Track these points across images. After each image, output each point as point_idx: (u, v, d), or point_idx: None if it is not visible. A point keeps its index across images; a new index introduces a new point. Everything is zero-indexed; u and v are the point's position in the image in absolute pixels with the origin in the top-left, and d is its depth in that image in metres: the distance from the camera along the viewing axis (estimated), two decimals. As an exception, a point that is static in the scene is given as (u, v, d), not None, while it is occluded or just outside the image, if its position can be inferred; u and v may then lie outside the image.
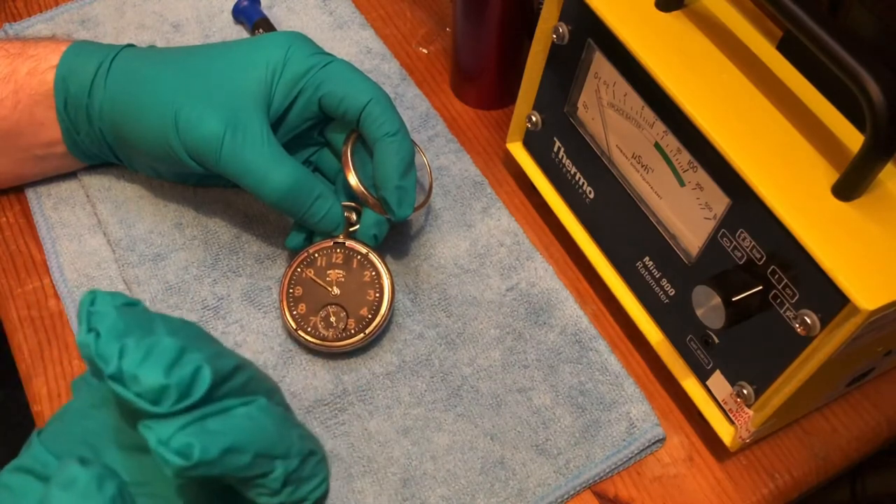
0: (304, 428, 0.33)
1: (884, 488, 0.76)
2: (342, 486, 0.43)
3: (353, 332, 0.46)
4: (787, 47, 0.40)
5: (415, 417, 0.46)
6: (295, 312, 0.47)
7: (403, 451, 0.45)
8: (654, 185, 0.43)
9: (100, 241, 0.52)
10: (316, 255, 0.48)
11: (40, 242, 0.52)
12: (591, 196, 0.49)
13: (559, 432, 0.45)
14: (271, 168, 0.44)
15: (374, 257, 0.48)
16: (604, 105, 0.45)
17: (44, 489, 0.29)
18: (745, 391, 0.41)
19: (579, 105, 0.47)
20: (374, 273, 0.47)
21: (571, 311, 0.49)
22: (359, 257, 0.48)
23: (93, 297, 0.28)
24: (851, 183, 0.35)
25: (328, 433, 0.45)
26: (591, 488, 0.45)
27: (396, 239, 0.52)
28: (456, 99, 0.60)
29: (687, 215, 0.42)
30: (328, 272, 0.48)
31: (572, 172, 0.50)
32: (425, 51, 0.62)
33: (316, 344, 0.46)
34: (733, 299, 0.37)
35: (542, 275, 0.50)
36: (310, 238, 0.49)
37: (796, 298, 0.36)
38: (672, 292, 0.44)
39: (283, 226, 0.52)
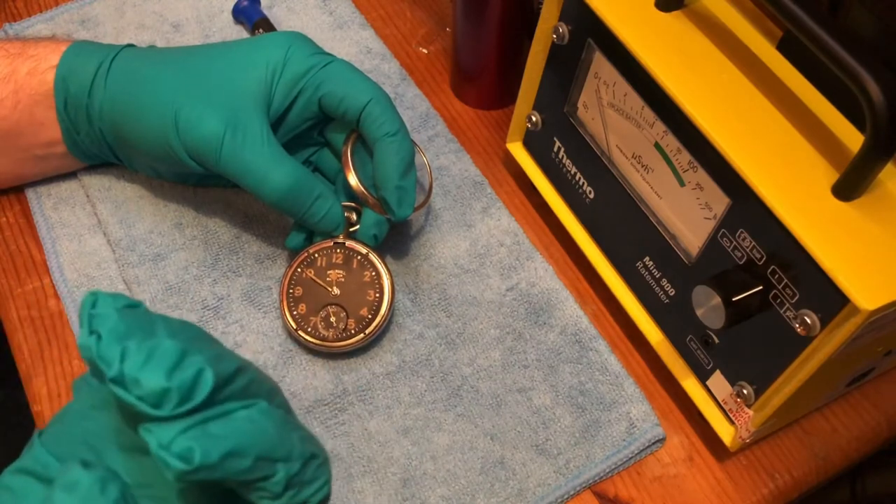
0: (305, 430, 0.33)
1: (884, 488, 0.76)
2: (342, 487, 0.44)
3: (353, 332, 0.46)
4: (787, 47, 0.40)
5: (415, 417, 0.46)
6: (295, 312, 0.47)
7: (403, 451, 0.45)
8: (654, 185, 0.43)
9: (100, 241, 0.52)
10: (316, 255, 0.48)
11: (40, 242, 0.52)
12: (591, 196, 0.49)
13: (559, 432, 0.45)
14: (271, 168, 0.44)
15: (374, 257, 0.48)
16: (604, 105, 0.45)
17: (45, 491, 0.29)
18: (745, 391, 0.41)
19: (579, 105, 0.47)
20: (374, 273, 0.47)
21: (571, 311, 0.49)
22: (359, 257, 0.48)
23: (94, 298, 0.28)
24: (851, 183, 0.35)
25: (328, 433, 0.45)
26: (591, 488, 0.45)
27: (396, 239, 0.52)
28: (456, 99, 0.60)
29: (687, 215, 0.42)
30: (328, 272, 0.48)
31: (572, 172, 0.50)
32: (425, 51, 0.62)
33: (316, 344, 0.46)
34: (733, 299, 0.37)
35: (542, 275, 0.50)
36: (310, 238, 0.49)
37: (796, 298, 0.36)
38: (672, 292, 0.44)
39: (283, 226, 0.52)
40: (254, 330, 0.48)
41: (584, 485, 0.44)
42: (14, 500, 0.29)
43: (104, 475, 0.27)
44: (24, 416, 0.50)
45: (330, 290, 0.47)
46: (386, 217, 0.48)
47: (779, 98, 0.39)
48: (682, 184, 0.41)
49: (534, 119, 0.51)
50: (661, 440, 0.46)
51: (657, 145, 0.42)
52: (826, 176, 0.36)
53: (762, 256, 0.37)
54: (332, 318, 0.47)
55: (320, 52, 0.47)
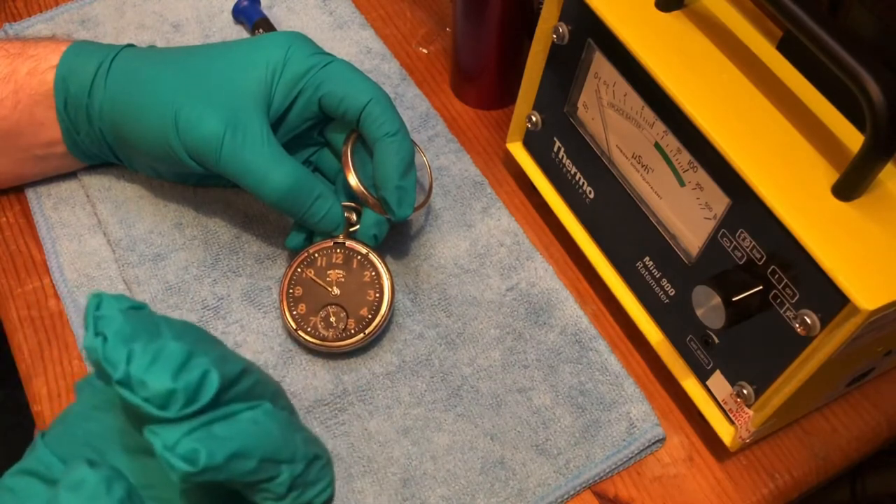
0: (308, 431, 0.33)
1: (884, 488, 0.76)
2: (342, 486, 0.44)
3: (353, 332, 0.46)
4: (787, 47, 0.40)
5: (415, 417, 0.46)
6: (295, 312, 0.47)
7: (403, 451, 0.45)
8: (654, 185, 0.43)
9: (100, 241, 0.52)
10: (316, 255, 0.48)
11: (40, 242, 0.52)
12: (591, 196, 0.49)
13: (559, 432, 0.45)
14: (271, 168, 0.44)
15: (374, 257, 0.48)
16: (604, 105, 0.45)
17: (49, 492, 0.29)
18: (745, 391, 0.41)
19: (579, 105, 0.47)
20: (374, 273, 0.47)
21: (571, 311, 0.49)
22: (359, 257, 0.48)
23: (98, 300, 0.28)
24: (851, 183, 0.35)
25: (328, 433, 0.45)
26: (591, 488, 0.45)
27: (396, 239, 0.52)
28: (456, 99, 0.60)
29: (687, 215, 0.42)
30: (328, 272, 0.48)
31: (572, 172, 0.50)
32: (425, 51, 0.62)
33: (316, 344, 0.46)
34: (733, 299, 0.37)
35: (542, 275, 0.50)
36: (310, 238, 0.49)
37: (796, 298, 0.36)
38: (672, 292, 0.44)
39: (283, 226, 0.52)
40: (254, 330, 0.48)
41: (584, 485, 0.44)
42: (17, 501, 0.29)
43: (110, 474, 0.27)
44: (24, 416, 0.50)
45: (330, 290, 0.47)
46: (386, 217, 0.48)
47: (779, 98, 0.39)
48: (682, 184, 0.41)
49: (534, 119, 0.51)
50: (661, 440, 0.46)
51: (657, 145, 0.42)
52: (826, 176, 0.36)
53: (762, 256, 0.37)
54: (332, 318, 0.47)
55: (320, 52, 0.47)
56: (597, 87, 0.45)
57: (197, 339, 0.29)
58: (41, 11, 0.62)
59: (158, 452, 0.25)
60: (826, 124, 0.38)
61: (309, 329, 0.46)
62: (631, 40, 0.40)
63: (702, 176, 0.40)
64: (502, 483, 0.44)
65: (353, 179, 0.48)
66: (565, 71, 0.47)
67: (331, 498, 0.32)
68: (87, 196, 0.53)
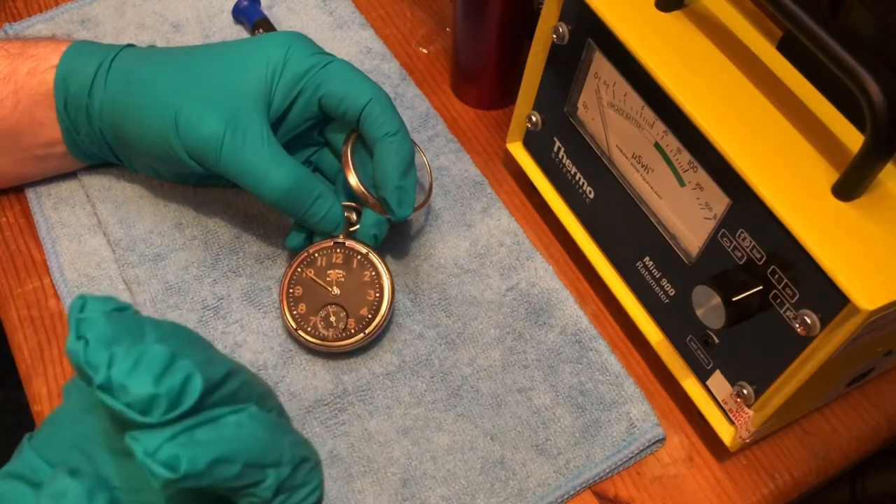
0: (297, 434, 0.33)
1: (884, 488, 0.76)
2: (342, 487, 0.44)
3: (353, 332, 0.46)
4: (787, 47, 0.40)
5: (415, 417, 0.46)
6: (295, 312, 0.47)
7: (403, 451, 0.45)
8: (654, 185, 0.43)
9: (100, 241, 0.52)
10: (316, 255, 0.48)
11: (40, 242, 0.52)
12: (591, 196, 0.49)
13: (559, 432, 0.45)
14: (271, 168, 0.44)
15: (374, 257, 0.48)
16: (604, 105, 0.45)
17: (35, 496, 0.29)
18: (745, 391, 0.41)
19: (579, 105, 0.47)
20: (374, 273, 0.47)
21: (571, 311, 0.49)
22: (359, 257, 0.48)
23: (82, 302, 0.27)
24: (851, 183, 0.35)
25: (328, 433, 0.45)
26: (591, 488, 0.45)
27: (396, 239, 0.52)
28: (456, 99, 0.60)
29: (687, 215, 0.42)
30: (328, 272, 0.48)
31: (572, 172, 0.50)
32: (425, 51, 0.62)
33: (316, 344, 0.46)
34: (733, 299, 0.37)
35: (542, 275, 0.50)
36: (310, 238, 0.49)
37: (796, 298, 0.36)
38: (672, 292, 0.44)
39: (283, 226, 0.52)
40: (254, 330, 0.48)
41: (584, 485, 0.44)
42: None
43: (92, 484, 0.27)
44: (24, 416, 0.50)
45: (330, 289, 0.47)
46: (386, 217, 0.48)
47: (779, 98, 0.39)
48: (682, 184, 0.41)
49: (534, 119, 0.51)
50: (661, 440, 0.46)
51: (657, 145, 0.42)
52: (826, 176, 0.36)
53: (762, 256, 0.37)
54: (332, 318, 0.47)
55: (320, 52, 0.47)
56: (597, 87, 0.45)
57: (183, 341, 0.29)
58: (41, 11, 0.62)
59: (139, 459, 0.25)
60: (826, 124, 0.38)
61: (309, 329, 0.46)
62: (631, 40, 0.40)
63: (702, 176, 0.40)
64: (502, 483, 0.44)
65: (353, 179, 0.48)
66: (565, 71, 0.47)
67: (319, 500, 0.31)
68: (87, 196, 0.53)
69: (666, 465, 0.46)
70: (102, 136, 0.48)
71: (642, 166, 0.44)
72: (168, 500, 0.29)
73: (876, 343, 0.39)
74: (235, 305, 0.49)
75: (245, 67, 0.46)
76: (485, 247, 0.52)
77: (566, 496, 0.44)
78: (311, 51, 0.47)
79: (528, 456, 0.45)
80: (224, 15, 0.62)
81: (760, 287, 0.37)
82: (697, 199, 0.40)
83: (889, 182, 0.36)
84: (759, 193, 0.36)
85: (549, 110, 0.50)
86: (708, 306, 0.37)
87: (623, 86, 0.43)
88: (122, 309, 0.28)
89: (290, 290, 0.47)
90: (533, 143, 0.53)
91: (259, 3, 0.62)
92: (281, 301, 0.47)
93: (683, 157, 0.40)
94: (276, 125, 0.47)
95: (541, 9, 0.46)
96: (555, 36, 0.46)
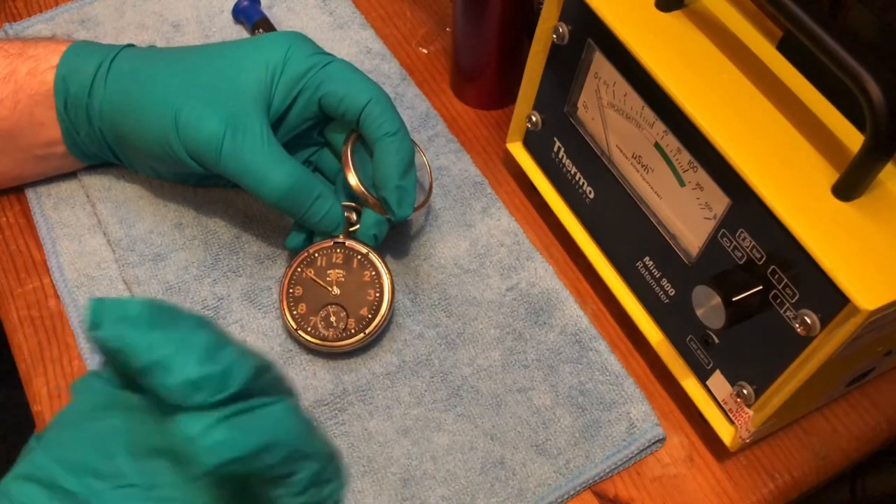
0: (322, 430, 0.33)
1: (884, 488, 0.76)
2: (342, 486, 0.44)
3: (353, 331, 0.46)
4: (787, 47, 0.40)
5: (415, 417, 0.46)
6: (295, 312, 0.47)
7: (403, 451, 0.45)
8: (654, 185, 0.43)
9: (100, 241, 0.52)
10: (316, 254, 0.48)
11: (40, 242, 0.52)
12: (591, 196, 0.49)
13: (559, 432, 0.45)
14: (271, 168, 0.44)
15: (374, 257, 0.48)
16: (604, 105, 0.45)
17: (50, 497, 0.28)
18: (745, 391, 0.41)
19: (579, 105, 0.47)
20: (374, 273, 0.47)
21: (571, 311, 0.49)
22: (359, 257, 0.48)
23: (114, 299, 0.27)
24: (851, 183, 0.35)
25: (328, 433, 0.45)
26: (591, 488, 0.45)
27: (396, 239, 0.52)
28: (456, 99, 0.60)
29: (687, 215, 0.42)
30: (328, 272, 0.48)
31: (572, 172, 0.50)
32: (425, 51, 0.62)
33: (316, 344, 0.46)
34: (733, 299, 0.37)
35: (542, 275, 0.50)
36: (310, 238, 0.49)
37: (796, 298, 0.36)
38: (672, 292, 0.44)
39: (283, 226, 0.52)
40: (254, 330, 0.48)
41: (584, 485, 0.44)
42: None
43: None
44: (24, 415, 0.50)
45: (330, 289, 0.47)
46: (386, 217, 0.48)
47: (779, 98, 0.39)
48: (682, 184, 0.41)
49: (534, 119, 0.51)
50: (661, 440, 0.46)
51: (657, 145, 0.42)
52: (826, 176, 0.36)
53: (762, 256, 0.37)
54: (332, 318, 0.47)
55: (320, 52, 0.47)
56: (597, 87, 0.45)
57: (220, 331, 0.28)
58: (41, 11, 0.62)
59: (185, 443, 0.24)
60: (826, 124, 0.38)
61: (309, 329, 0.46)
62: (631, 40, 0.40)
63: (702, 176, 0.40)
64: (502, 483, 0.44)
65: (353, 179, 0.48)
66: (565, 71, 0.47)
67: (342, 497, 0.31)
68: (87, 196, 0.53)
69: (666, 465, 0.46)
70: (102, 136, 0.48)
71: (642, 166, 0.44)
72: (189, 496, 0.29)
73: (876, 343, 0.39)
74: (235, 305, 0.49)
75: (245, 67, 0.46)
76: (485, 247, 0.52)
77: (566, 496, 0.44)
78: (310, 51, 0.47)
79: (528, 456, 0.45)
80: (224, 15, 0.62)
81: (760, 287, 0.37)
82: (697, 199, 0.40)
83: (889, 182, 0.36)
84: (759, 193, 0.36)
85: (549, 110, 0.50)
86: (708, 306, 0.37)
87: (623, 86, 0.43)
88: (158, 302, 0.28)
89: (290, 290, 0.47)
90: (533, 143, 0.53)
91: (259, 3, 0.62)
92: (281, 301, 0.47)
93: (683, 157, 0.40)
94: (276, 125, 0.47)
95: (541, 9, 0.46)
96: (555, 36, 0.46)
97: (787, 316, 0.37)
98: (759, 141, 0.37)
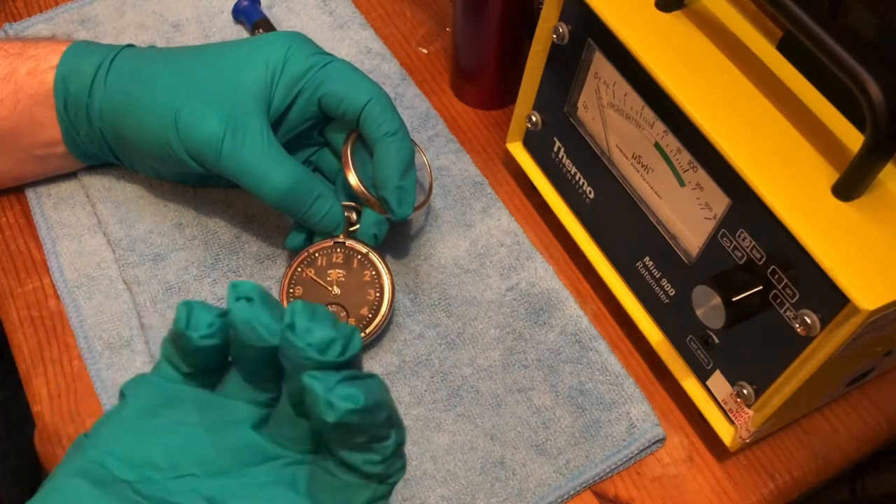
0: None
1: (884, 488, 0.76)
2: (342, 486, 0.43)
3: (353, 332, 0.46)
4: (787, 47, 0.40)
5: (415, 417, 0.46)
6: (295, 312, 0.47)
7: (403, 451, 0.45)
8: (654, 185, 0.43)
9: (100, 241, 0.52)
10: (316, 254, 0.48)
11: (40, 242, 0.52)
12: (591, 196, 0.49)
13: (559, 432, 0.45)
14: (271, 168, 0.44)
15: (374, 257, 0.48)
16: (604, 105, 0.45)
17: (100, 495, 0.29)
18: (745, 391, 0.41)
19: (579, 105, 0.47)
20: (374, 273, 0.47)
21: (571, 311, 0.49)
22: (359, 257, 0.48)
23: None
24: (851, 183, 0.35)
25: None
26: (591, 488, 0.45)
27: (396, 239, 0.52)
28: (456, 99, 0.60)
29: (687, 215, 0.42)
30: (328, 272, 0.48)
31: (572, 172, 0.50)
32: (425, 51, 0.62)
33: (316, 344, 0.46)
34: (733, 299, 0.37)
35: (542, 275, 0.50)
36: (310, 238, 0.49)
37: (796, 298, 0.36)
38: (672, 292, 0.44)
39: (283, 226, 0.52)
40: (254, 330, 0.48)
41: (584, 485, 0.44)
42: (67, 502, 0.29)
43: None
44: (24, 415, 0.50)
45: (330, 289, 0.47)
46: (386, 217, 0.48)
47: (779, 98, 0.39)
48: (682, 184, 0.41)
49: (534, 119, 0.51)
50: (661, 440, 0.46)
51: (657, 145, 0.42)
52: (826, 176, 0.36)
53: (762, 256, 0.37)
54: (332, 318, 0.47)
55: (320, 51, 0.47)
56: (597, 87, 0.45)
57: None
58: (41, 11, 0.62)
59: (321, 394, 0.27)
60: (826, 124, 0.38)
61: (309, 329, 0.46)
62: (631, 40, 0.40)
63: (702, 176, 0.40)
64: (502, 483, 0.44)
65: (353, 179, 0.48)
66: (565, 71, 0.47)
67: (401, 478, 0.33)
68: (87, 196, 0.53)
69: (666, 465, 0.46)
70: (102, 136, 0.48)
71: (642, 166, 0.44)
72: (250, 483, 0.30)
73: (876, 343, 0.39)
74: (235, 305, 0.49)
75: (245, 67, 0.46)
76: (485, 247, 0.52)
77: (566, 496, 0.44)
78: (310, 51, 0.47)
79: (528, 456, 0.45)
80: (224, 15, 0.62)
81: (760, 287, 0.37)
82: (697, 199, 0.40)
83: (889, 182, 0.36)
84: (759, 193, 0.36)
85: (549, 110, 0.50)
86: (708, 306, 0.37)
87: (623, 86, 0.43)
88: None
89: (291, 290, 0.47)
90: (533, 143, 0.53)
91: (259, 3, 0.62)
92: (281, 301, 0.47)
93: (683, 157, 0.40)
94: (276, 125, 0.47)
95: (541, 9, 0.46)
96: (555, 36, 0.46)
97: (787, 316, 0.37)
98: (759, 141, 0.37)
